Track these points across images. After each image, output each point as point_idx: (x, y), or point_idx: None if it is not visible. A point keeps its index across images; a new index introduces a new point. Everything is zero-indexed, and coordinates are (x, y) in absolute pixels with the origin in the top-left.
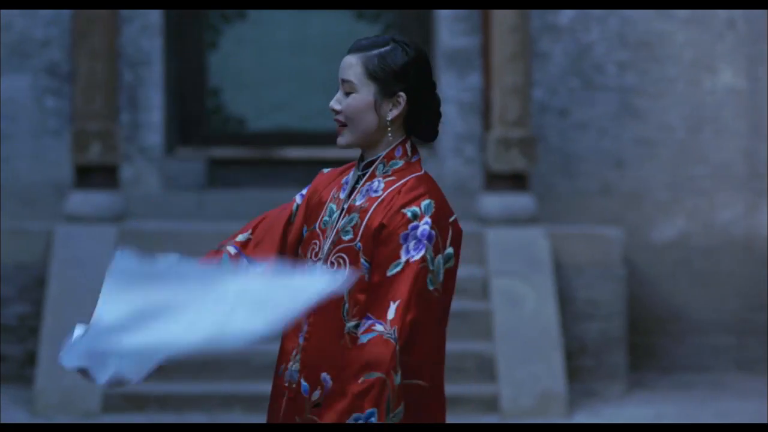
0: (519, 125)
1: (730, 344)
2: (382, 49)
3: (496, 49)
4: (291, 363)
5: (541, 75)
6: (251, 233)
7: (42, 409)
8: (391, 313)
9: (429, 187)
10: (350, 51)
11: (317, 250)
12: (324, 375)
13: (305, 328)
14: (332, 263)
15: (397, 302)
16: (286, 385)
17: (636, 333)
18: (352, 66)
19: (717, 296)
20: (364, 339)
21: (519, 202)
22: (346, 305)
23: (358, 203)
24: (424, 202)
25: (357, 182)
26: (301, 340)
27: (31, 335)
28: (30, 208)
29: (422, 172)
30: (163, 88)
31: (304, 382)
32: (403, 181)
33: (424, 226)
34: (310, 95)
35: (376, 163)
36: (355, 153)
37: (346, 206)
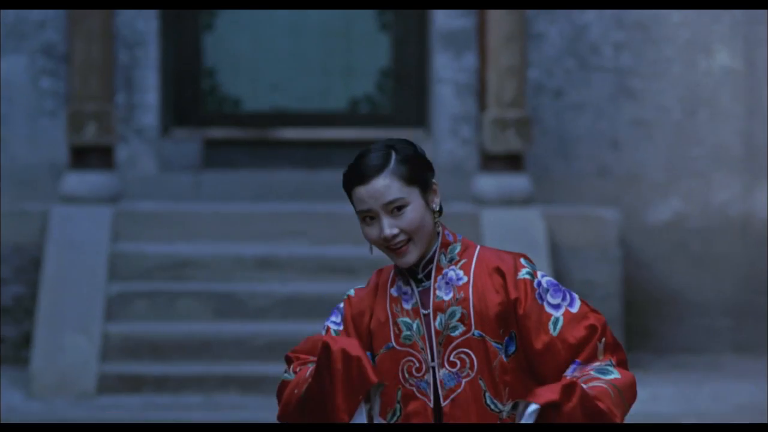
0: (515, 106)
1: (726, 325)
2: (395, 157)
3: (492, 29)
4: None
5: (536, 56)
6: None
7: (38, 389)
8: (600, 354)
9: (499, 249)
10: (366, 179)
11: (418, 365)
12: None
13: None
14: (453, 363)
15: (602, 341)
16: None
17: (632, 314)
18: (389, 186)
19: (713, 278)
20: (602, 383)
21: (515, 183)
22: (488, 393)
23: (446, 298)
24: (521, 260)
25: (419, 286)
26: None
27: (27, 316)
28: (26, 189)
29: (475, 243)
30: (158, 69)
31: None
32: (476, 257)
33: (544, 278)
34: (305, 76)
35: (435, 257)
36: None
37: (429, 310)
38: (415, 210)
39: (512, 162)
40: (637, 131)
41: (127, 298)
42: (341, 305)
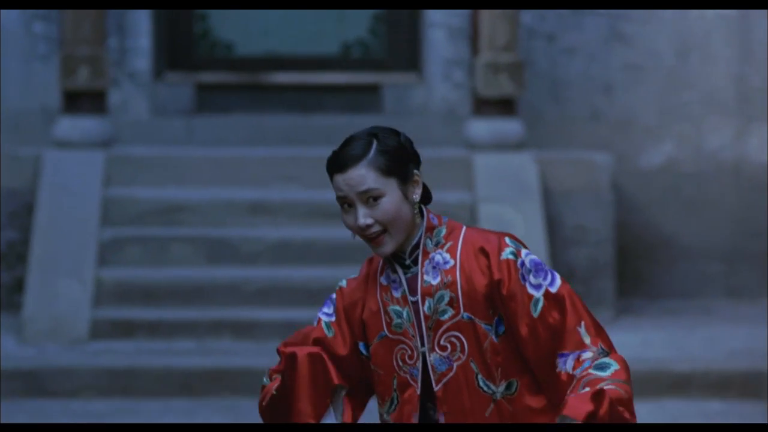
0: (507, 50)
1: (718, 270)
2: (375, 146)
3: None
4: None
5: None
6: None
7: (31, 335)
8: (585, 338)
9: (483, 228)
10: (344, 167)
11: (410, 352)
12: None
13: (442, 419)
14: (444, 347)
15: (581, 325)
16: None
17: (624, 259)
18: (364, 176)
19: (705, 222)
20: (584, 371)
21: (507, 127)
22: (480, 375)
23: (434, 283)
24: (506, 240)
25: (407, 272)
26: None
27: (19, 262)
28: (19, 133)
29: (461, 224)
30: (150, 13)
31: None
32: (462, 239)
33: (528, 257)
34: (298, 20)
35: (421, 242)
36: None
37: (417, 297)
38: (390, 202)
39: (505, 106)
40: (630, 76)
41: (119, 244)
42: (333, 296)
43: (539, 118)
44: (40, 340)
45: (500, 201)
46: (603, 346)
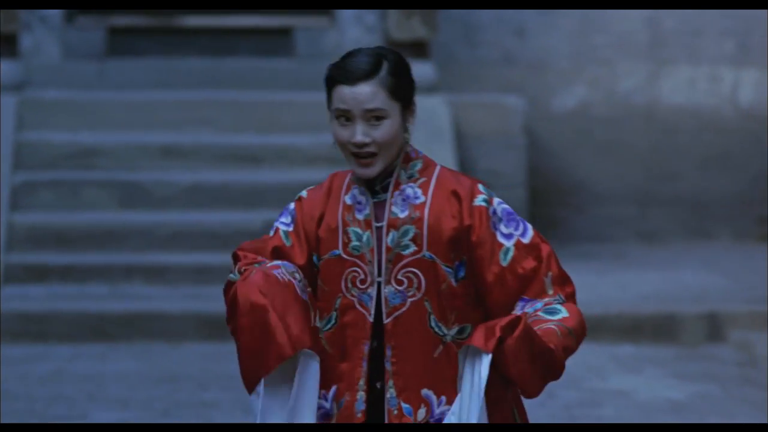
0: None
1: (631, 214)
2: (386, 66)
3: None
4: (358, 393)
5: None
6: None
7: None
8: (549, 288)
9: (458, 171)
10: (354, 80)
11: (363, 277)
12: (425, 392)
13: (389, 353)
14: (400, 281)
15: (548, 275)
16: (389, 412)
17: (537, 203)
18: (375, 93)
19: (618, 166)
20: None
21: (419, 70)
22: (433, 316)
23: (401, 216)
24: (479, 186)
25: (374, 197)
26: (388, 366)
27: None
28: None
29: (435, 161)
30: None
31: (405, 405)
32: (435, 178)
33: (500, 206)
34: None
35: (395, 172)
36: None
37: (383, 224)
38: (392, 125)
39: (417, 49)
40: (542, 18)
41: (32, 188)
42: (291, 206)
43: (452, 61)
44: None
45: (412, 144)
46: (562, 296)
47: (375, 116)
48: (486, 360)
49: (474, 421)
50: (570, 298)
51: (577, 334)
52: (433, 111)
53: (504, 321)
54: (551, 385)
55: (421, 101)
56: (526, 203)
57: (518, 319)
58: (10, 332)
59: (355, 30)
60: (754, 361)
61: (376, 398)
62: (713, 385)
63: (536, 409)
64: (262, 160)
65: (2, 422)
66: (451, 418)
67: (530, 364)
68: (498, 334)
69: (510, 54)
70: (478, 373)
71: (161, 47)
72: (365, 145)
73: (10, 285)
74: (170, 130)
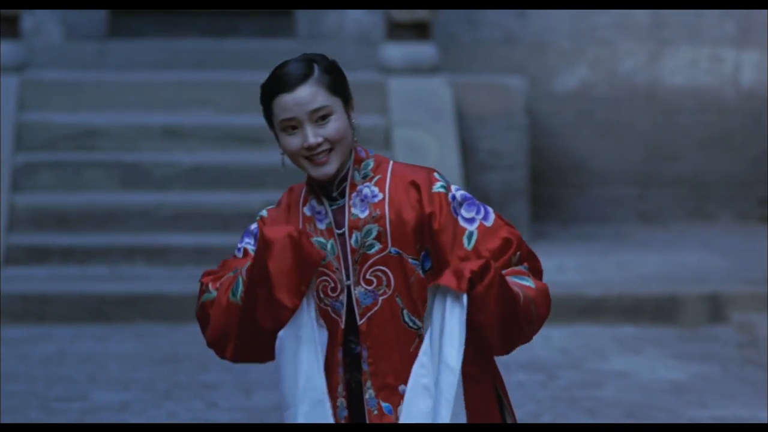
0: None
1: (631, 195)
2: (318, 67)
3: None
4: (338, 400)
5: None
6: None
7: None
8: (516, 266)
9: (411, 163)
10: (291, 87)
11: (333, 284)
12: (403, 388)
13: (365, 354)
14: (369, 281)
15: (516, 255)
16: (369, 413)
17: (538, 184)
18: (315, 93)
19: (619, 147)
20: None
21: (421, 51)
22: (405, 310)
23: (362, 216)
24: (435, 174)
25: (333, 204)
26: (365, 367)
27: None
28: None
29: (387, 158)
30: None
31: (385, 404)
32: (390, 173)
33: (458, 191)
34: None
35: (349, 175)
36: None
37: (344, 230)
38: (339, 120)
39: (419, 30)
40: None
41: (32, 169)
42: (253, 227)
43: (453, 42)
44: None
45: (414, 125)
46: (527, 266)
47: (321, 116)
48: (462, 300)
49: (452, 363)
50: (536, 273)
51: (537, 304)
52: (434, 92)
53: (474, 265)
54: (552, 366)
55: (422, 82)
56: (528, 183)
57: (488, 264)
58: (11, 313)
59: (356, 11)
60: (755, 342)
61: (355, 399)
62: (714, 366)
63: (538, 390)
64: (263, 141)
65: (3, 403)
66: (422, 358)
67: (498, 314)
68: (467, 275)
69: (511, 34)
70: (451, 313)
71: (162, 28)
72: (319, 144)
73: (11, 266)
74: (171, 110)
